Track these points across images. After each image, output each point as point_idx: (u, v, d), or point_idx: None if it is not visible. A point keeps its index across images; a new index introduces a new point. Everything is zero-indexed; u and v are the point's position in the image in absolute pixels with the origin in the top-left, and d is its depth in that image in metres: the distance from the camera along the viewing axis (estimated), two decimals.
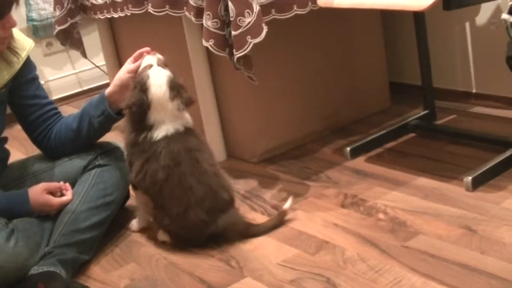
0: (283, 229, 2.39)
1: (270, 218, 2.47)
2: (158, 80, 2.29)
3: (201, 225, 2.32)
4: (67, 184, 2.47)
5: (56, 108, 2.61)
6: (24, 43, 2.47)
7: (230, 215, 2.38)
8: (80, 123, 2.51)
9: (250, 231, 2.39)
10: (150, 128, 2.31)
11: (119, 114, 2.48)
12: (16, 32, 2.43)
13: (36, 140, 2.60)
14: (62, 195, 2.43)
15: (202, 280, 2.17)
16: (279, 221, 2.43)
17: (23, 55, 2.44)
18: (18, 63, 2.42)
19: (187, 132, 2.36)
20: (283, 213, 2.43)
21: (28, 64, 2.50)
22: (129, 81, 2.38)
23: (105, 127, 2.55)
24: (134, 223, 2.59)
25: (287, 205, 2.43)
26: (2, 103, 2.45)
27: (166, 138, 2.31)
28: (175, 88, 2.31)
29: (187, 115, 2.38)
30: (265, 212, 2.54)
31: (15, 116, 2.56)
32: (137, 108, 2.29)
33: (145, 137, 2.32)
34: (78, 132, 2.52)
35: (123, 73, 2.42)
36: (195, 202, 2.30)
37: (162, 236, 2.44)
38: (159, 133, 2.31)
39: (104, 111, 2.46)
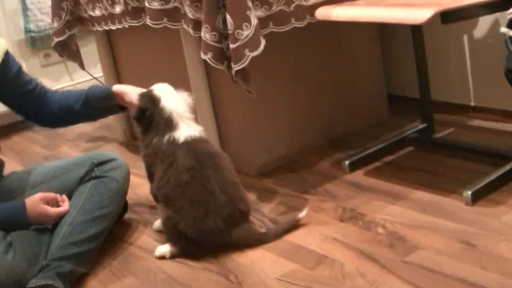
0: (281, 243, 2.38)
1: (281, 224, 2.49)
2: (162, 86, 2.49)
3: (217, 233, 2.33)
4: (64, 196, 2.47)
5: (39, 84, 2.69)
6: None
7: (245, 228, 2.39)
8: (81, 108, 2.60)
9: (262, 241, 2.40)
10: (171, 127, 2.40)
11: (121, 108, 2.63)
12: None
13: (28, 115, 2.67)
14: (58, 206, 2.43)
15: None
16: (290, 228, 2.44)
17: None
18: None
19: (204, 140, 2.46)
20: (296, 221, 2.44)
21: (7, 63, 2.49)
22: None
23: (105, 116, 2.77)
24: (157, 224, 2.61)
25: (302, 214, 2.44)
26: None
27: (188, 141, 2.38)
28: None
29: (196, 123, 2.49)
30: (264, 226, 2.53)
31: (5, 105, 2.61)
32: (148, 103, 2.42)
33: (168, 138, 2.39)
34: (78, 115, 2.63)
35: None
36: (215, 208, 2.32)
37: (161, 251, 2.43)
38: (180, 135, 2.39)
39: (108, 105, 2.60)
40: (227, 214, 2.34)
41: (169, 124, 2.40)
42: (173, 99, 2.44)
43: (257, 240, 2.40)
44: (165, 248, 2.42)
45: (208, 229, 2.32)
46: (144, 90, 2.51)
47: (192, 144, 2.39)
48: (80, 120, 2.75)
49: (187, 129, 2.42)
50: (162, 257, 2.42)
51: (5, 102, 2.59)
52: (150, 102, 2.42)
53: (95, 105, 2.60)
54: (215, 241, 2.35)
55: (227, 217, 2.33)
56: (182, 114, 2.43)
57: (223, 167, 2.40)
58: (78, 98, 2.59)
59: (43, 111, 2.61)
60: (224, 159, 2.45)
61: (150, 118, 2.42)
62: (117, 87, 2.60)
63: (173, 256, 2.40)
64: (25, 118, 2.70)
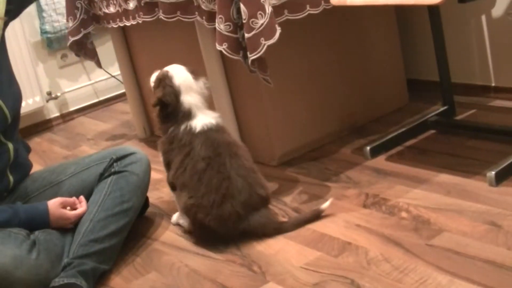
0: (304, 232, 2.36)
1: (303, 213, 2.48)
2: (177, 69, 2.48)
3: (235, 217, 2.33)
4: (81, 197, 2.48)
5: None
6: None
7: (264, 214, 2.38)
8: None
9: (282, 229, 2.38)
10: (188, 117, 2.42)
11: None
12: None
13: None
14: (76, 209, 2.45)
15: (225, 286, 2.14)
16: (312, 218, 2.42)
17: None
18: None
19: (221, 128, 2.46)
20: (319, 211, 2.42)
21: None
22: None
23: None
24: (174, 217, 2.62)
25: (325, 205, 2.41)
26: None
27: (205, 131, 2.40)
28: (194, 71, 2.49)
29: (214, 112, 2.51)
30: (286, 216, 2.51)
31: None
32: (169, 97, 2.42)
33: (185, 128, 2.41)
34: None
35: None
36: (232, 193, 2.32)
37: (177, 219, 2.51)
38: (197, 124, 2.41)
39: None
40: (245, 199, 2.33)
41: (187, 114, 2.43)
42: (190, 90, 2.45)
43: (276, 229, 2.38)
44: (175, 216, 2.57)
45: (226, 214, 2.32)
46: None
47: (208, 133, 2.40)
48: None
49: (204, 117, 2.43)
50: (178, 225, 2.53)
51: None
52: (171, 95, 2.43)
53: None
54: (234, 227, 2.34)
55: (245, 201, 2.33)
56: (199, 104, 2.45)
57: (240, 155, 2.40)
58: None
59: None
60: (241, 148, 2.45)
61: (169, 108, 2.43)
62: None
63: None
64: None
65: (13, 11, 2.47)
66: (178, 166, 2.39)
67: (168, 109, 2.43)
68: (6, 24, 2.45)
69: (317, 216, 2.43)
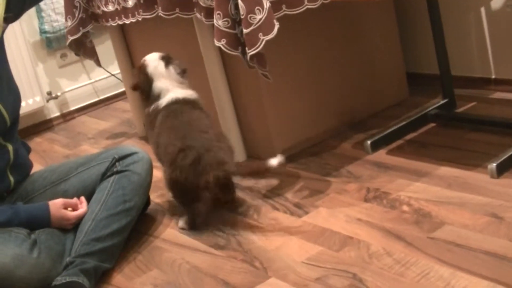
0: (306, 226, 2.36)
1: (250, 163, 2.82)
2: (151, 57, 2.77)
3: (196, 162, 2.41)
4: (82, 197, 2.49)
5: None
6: None
7: (216, 155, 2.44)
8: None
9: (226, 170, 2.41)
10: (157, 98, 2.69)
11: None
12: None
13: None
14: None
15: (226, 282, 2.14)
16: (260, 170, 2.60)
17: None
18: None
19: (191, 102, 2.68)
20: (268, 166, 2.41)
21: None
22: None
23: None
24: (181, 222, 2.61)
25: (274, 160, 2.41)
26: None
27: (168, 105, 2.65)
28: (166, 58, 2.75)
29: (191, 90, 2.74)
30: (287, 211, 2.51)
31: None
32: (142, 83, 2.73)
33: (154, 107, 2.69)
34: None
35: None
36: (190, 144, 2.45)
37: (181, 223, 2.58)
38: (163, 101, 2.67)
39: None
40: (201, 144, 2.45)
41: (156, 96, 2.70)
42: (161, 76, 2.72)
43: (222, 169, 2.40)
44: (181, 221, 2.59)
45: (188, 162, 2.41)
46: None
47: (170, 105, 2.65)
48: None
49: (171, 95, 2.68)
50: (183, 229, 2.57)
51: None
52: (143, 82, 2.73)
53: None
54: (196, 173, 2.40)
55: (201, 146, 2.44)
56: (169, 87, 2.70)
57: (195, 119, 2.61)
58: None
59: None
60: (203, 119, 2.63)
61: (143, 92, 2.75)
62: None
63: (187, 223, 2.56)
64: None
65: (12, 18, 2.47)
66: (152, 141, 2.68)
67: (144, 93, 2.74)
68: (4, 29, 2.44)
69: (266, 170, 2.48)
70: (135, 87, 2.77)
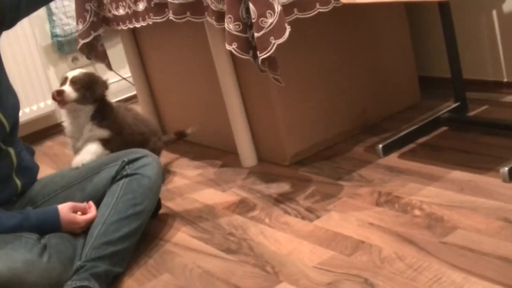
0: (317, 231, 2.35)
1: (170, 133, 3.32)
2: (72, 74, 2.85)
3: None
4: (90, 202, 2.48)
5: None
6: None
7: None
8: None
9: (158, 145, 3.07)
10: None
11: None
12: None
13: None
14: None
15: (238, 287, 2.13)
16: (176, 138, 3.25)
17: None
18: None
19: None
20: (183, 134, 3.18)
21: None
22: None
23: None
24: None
25: (189, 130, 3.03)
26: None
27: None
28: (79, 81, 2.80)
29: None
30: (299, 215, 2.50)
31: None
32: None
33: None
34: None
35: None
36: None
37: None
38: None
39: None
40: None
41: None
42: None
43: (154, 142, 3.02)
44: None
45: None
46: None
47: None
48: None
49: None
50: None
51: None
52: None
53: None
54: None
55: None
56: None
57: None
58: None
59: None
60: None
61: None
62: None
63: None
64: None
65: (5, 27, 2.46)
66: None
67: None
68: None
69: (182, 136, 3.25)
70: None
